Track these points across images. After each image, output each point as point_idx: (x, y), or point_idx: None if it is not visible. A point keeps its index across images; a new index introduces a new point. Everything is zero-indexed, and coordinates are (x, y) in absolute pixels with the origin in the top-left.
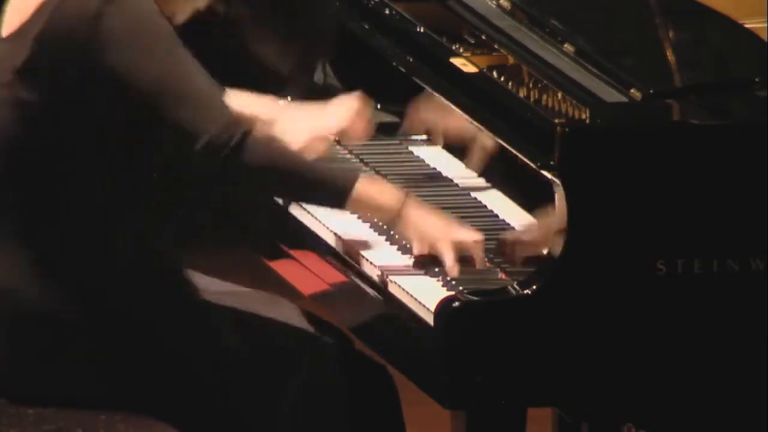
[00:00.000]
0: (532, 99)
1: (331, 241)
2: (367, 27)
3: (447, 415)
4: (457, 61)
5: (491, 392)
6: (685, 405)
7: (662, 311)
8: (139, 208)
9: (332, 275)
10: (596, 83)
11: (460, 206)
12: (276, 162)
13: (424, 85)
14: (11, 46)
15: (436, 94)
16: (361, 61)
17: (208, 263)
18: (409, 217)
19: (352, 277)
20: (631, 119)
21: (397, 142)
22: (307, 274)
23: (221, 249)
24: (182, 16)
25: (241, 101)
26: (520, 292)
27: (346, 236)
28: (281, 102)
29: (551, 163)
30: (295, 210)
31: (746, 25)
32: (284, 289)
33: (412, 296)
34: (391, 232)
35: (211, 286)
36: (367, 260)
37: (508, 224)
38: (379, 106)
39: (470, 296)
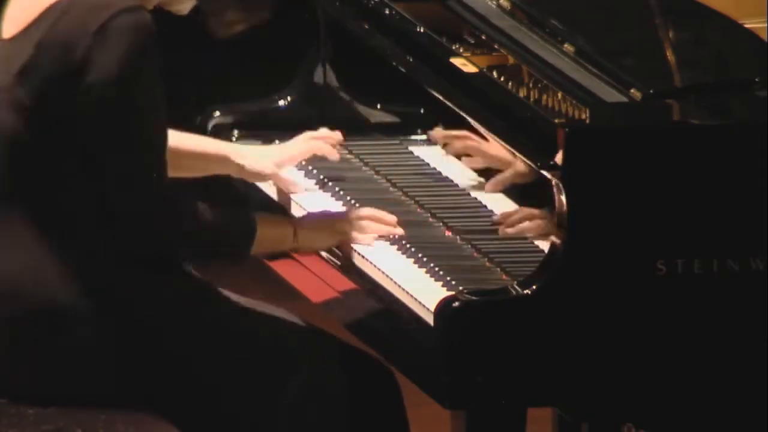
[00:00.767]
0: (532, 99)
1: None
2: (367, 27)
3: (447, 415)
4: (457, 61)
5: (491, 392)
6: (685, 405)
7: (662, 311)
8: None
9: (332, 275)
10: (596, 83)
11: (460, 206)
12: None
13: (424, 85)
14: (13, 49)
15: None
16: (361, 61)
17: (208, 264)
18: (306, 238)
19: (352, 277)
20: (631, 119)
21: (397, 142)
22: (306, 274)
23: None
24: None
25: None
26: (520, 292)
27: None
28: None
29: (551, 163)
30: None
31: (746, 25)
32: (284, 289)
33: (412, 296)
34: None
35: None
36: (366, 260)
37: None
38: (379, 106)
39: (470, 296)
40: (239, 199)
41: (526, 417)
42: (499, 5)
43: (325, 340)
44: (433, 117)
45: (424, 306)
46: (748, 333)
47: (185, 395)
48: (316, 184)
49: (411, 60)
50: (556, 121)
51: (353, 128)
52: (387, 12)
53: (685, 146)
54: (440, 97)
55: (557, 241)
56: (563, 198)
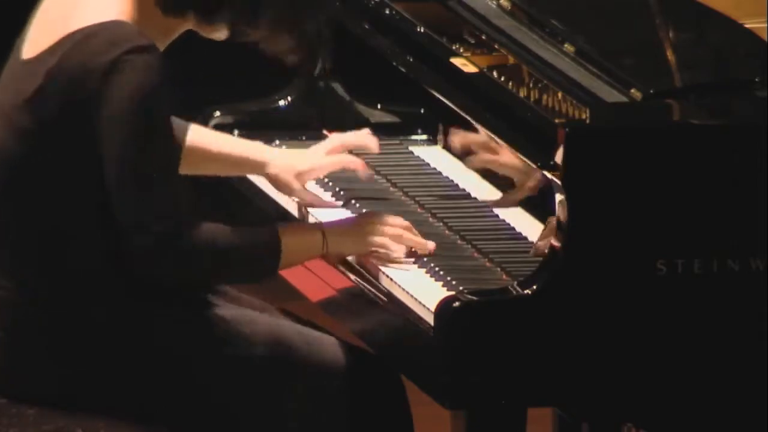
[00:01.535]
0: (532, 99)
1: None
2: (367, 27)
3: (447, 415)
4: (457, 61)
5: (491, 392)
6: (685, 405)
7: (662, 311)
8: None
9: (332, 276)
10: (596, 83)
11: (460, 206)
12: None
13: (424, 85)
14: (27, 72)
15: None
16: (361, 61)
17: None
18: (335, 243)
19: (352, 277)
20: (632, 119)
21: (397, 142)
22: (306, 274)
23: None
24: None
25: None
26: (520, 292)
27: None
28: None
29: (551, 163)
30: (290, 206)
31: (746, 25)
32: (284, 289)
33: (412, 296)
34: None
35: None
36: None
37: (509, 224)
38: (379, 106)
39: (470, 296)
40: (245, 204)
41: (526, 417)
42: (499, 5)
43: (327, 341)
44: (433, 117)
45: (424, 306)
46: (748, 333)
47: (186, 398)
48: (316, 183)
49: (411, 60)
50: (556, 121)
51: (353, 128)
52: (387, 12)
53: (685, 146)
54: (440, 97)
55: (557, 241)
56: (563, 198)
